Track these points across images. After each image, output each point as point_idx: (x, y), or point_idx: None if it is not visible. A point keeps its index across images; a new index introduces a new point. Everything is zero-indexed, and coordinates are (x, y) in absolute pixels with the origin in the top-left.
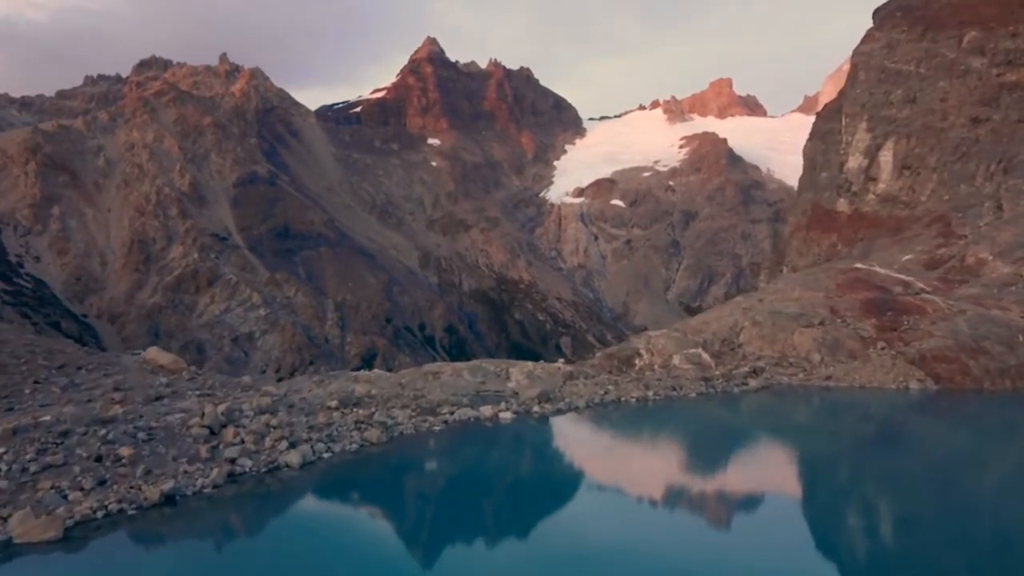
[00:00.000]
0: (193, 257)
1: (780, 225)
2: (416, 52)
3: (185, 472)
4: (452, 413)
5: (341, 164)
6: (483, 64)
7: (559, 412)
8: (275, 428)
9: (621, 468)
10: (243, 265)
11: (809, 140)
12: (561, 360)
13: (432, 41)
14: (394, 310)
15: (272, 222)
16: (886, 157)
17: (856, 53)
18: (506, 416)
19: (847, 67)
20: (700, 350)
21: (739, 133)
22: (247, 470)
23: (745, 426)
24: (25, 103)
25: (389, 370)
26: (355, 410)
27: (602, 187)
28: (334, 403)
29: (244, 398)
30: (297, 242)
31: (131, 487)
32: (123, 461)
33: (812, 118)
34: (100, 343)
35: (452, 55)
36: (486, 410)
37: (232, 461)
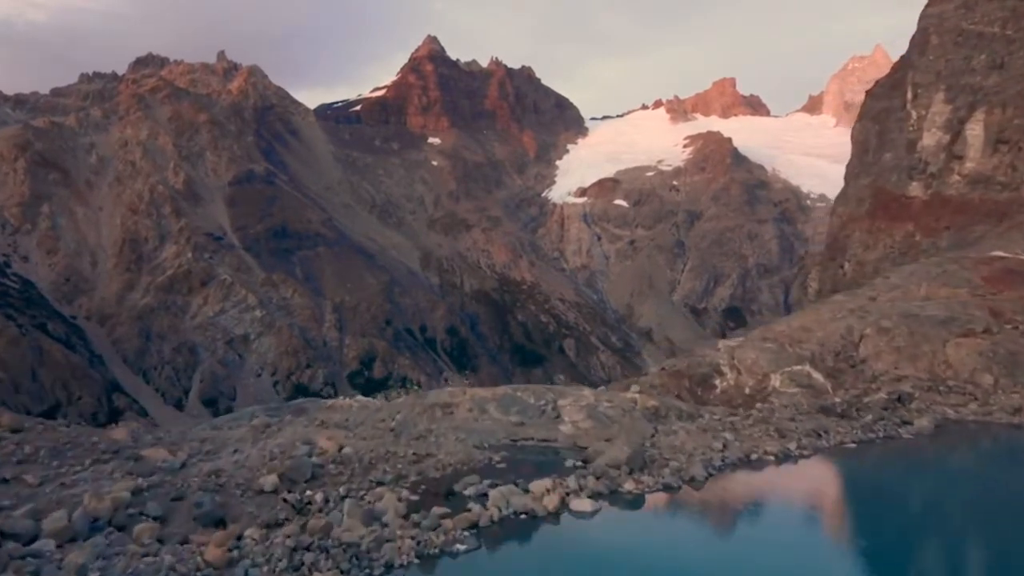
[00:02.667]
0: (187, 257)
1: (786, 225)
2: (417, 50)
3: None
4: (481, 498)
5: (340, 163)
6: (484, 63)
7: (668, 488)
8: None
9: None
10: (238, 265)
11: (859, 122)
12: (635, 388)
13: (433, 40)
14: (394, 312)
15: (269, 221)
16: (974, 131)
17: (925, 16)
18: (582, 506)
19: (851, 66)
20: (808, 367)
21: (743, 133)
22: None
23: None
24: (19, 100)
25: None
26: (307, 492)
27: (605, 187)
28: (270, 480)
29: (78, 485)
30: (294, 242)
31: None
32: None
33: (817, 117)
34: (89, 345)
35: (453, 54)
36: (543, 493)
37: None
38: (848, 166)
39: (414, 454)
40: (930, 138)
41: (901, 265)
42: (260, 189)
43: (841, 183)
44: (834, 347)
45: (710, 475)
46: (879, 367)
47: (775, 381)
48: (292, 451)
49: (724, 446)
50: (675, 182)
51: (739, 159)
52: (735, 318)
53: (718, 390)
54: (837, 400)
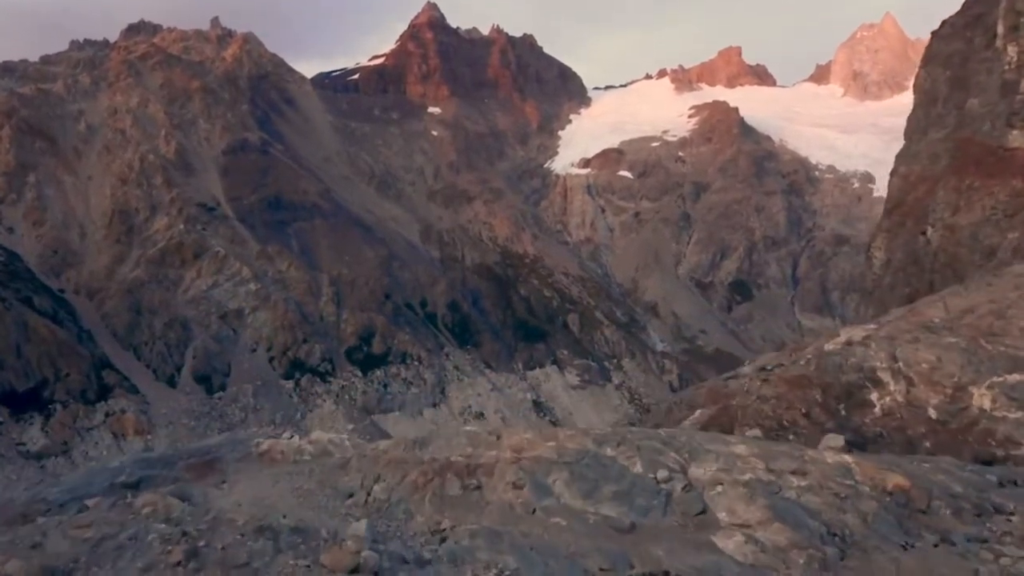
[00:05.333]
0: (179, 229)
1: (794, 197)
2: (416, 18)
3: None
4: None
5: (338, 133)
6: (485, 31)
7: None
8: None
9: None
10: (232, 237)
11: (924, 68)
12: (842, 443)
13: (432, 7)
14: (393, 286)
15: (264, 192)
16: None
17: None
18: None
19: (860, 34)
20: None
21: (749, 103)
22: None
23: None
24: (7, 68)
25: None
26: None
27: (609, 158)
28: None
29: None
30: (290, 213)
31: None
32: None
33: (825, 87)
34: (77, 320)
35: (453, 22)
36: None
37: None
38: (910, 120)
39: None
40: None
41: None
42: (255, 159)
43: (850, 153)
44: None
45: None
46: None
47: (982, 399)
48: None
49: None
50: (681, 153)
51: (746, 130)
52: (742, 292)
53: (876, 410)
54: None
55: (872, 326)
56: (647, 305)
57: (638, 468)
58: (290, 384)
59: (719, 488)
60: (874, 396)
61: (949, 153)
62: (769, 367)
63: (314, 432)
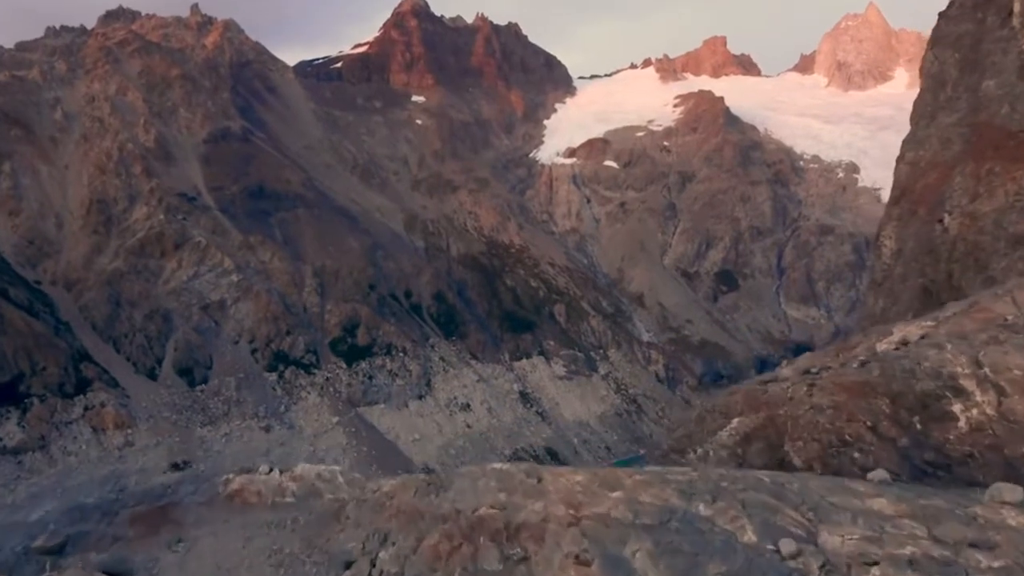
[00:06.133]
0: (158, 219)
1: (779, 187)
2: (400, 5)
3: None
4: None
5: (321, 122)
6: (469, 19)
7: None
8: None
9: None
10: (214, 227)
11: (931, 50)
12: (1021, 496)
13: None
14: (378, 276)
15: (245, 181)
16: None
17: None
18: None
19: (844, 24)
20: None
21: (735, 92)
22: None
23: None
24: None
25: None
26: None
27: (595, 147)
28: None
29: None
30: (273, 203)
31: None
32: None
33: (809, 77)
34: (54, 312)
35: (436, 9)
36: None
37: None
38: (916, 104)
39: None
40: None
41: None
42: (236, 147)
43: (835, 143)
44: None
45: None
46: None
47: None
48: None
49: None
50: (666, 143)
51: (731, 119)
52: (727, 282)
53: (961, 424)
54: None
55: (928, 323)
56: (633, 295)
57: (749, 535)
58: (273, 376)
59: (875, 573)
60: (957, 408)
61: (963, 138)
62: (814, 370)
63: (299, 466)
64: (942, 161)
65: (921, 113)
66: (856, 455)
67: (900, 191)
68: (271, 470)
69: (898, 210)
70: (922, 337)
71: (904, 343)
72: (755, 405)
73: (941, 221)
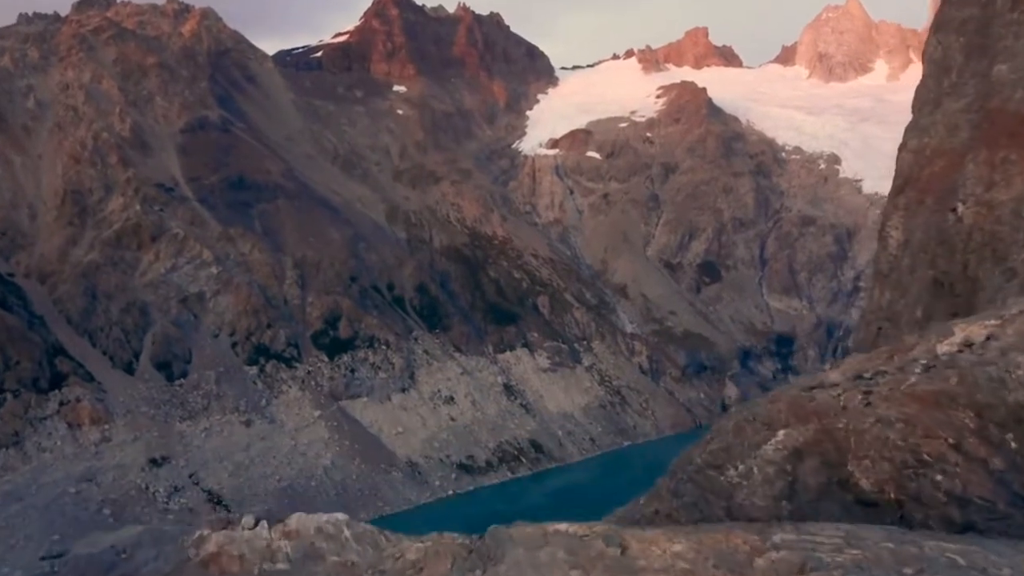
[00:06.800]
0: (135, 210)
1: (762, 179)
2: None
3: None
4: None
5: (301, 112)
6: (451, 9)
7: None
8: None
9: None
10: (192, 219)
11: (934, 35)
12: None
13: None
14: (360, 268)
15: (224, 172)
16: None
17: None
18: None
19: (825, 16)
20: None
21: (717, 84)
22: None
23: None
24: None
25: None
26: None
27: (577, 138)
28: None
29: None
30: (253, 194)
31: None
32: None
33: (790, 68)
34: (28, 305)
35: None
36: None
37: None
38: (919, 91)
39: None
40: None
41: None
42: (215, 137)
43: (817, 135)
44: None
45: None
46: None
47: None
48: None
49: None
50: (649, 134)
51: (714, 110)
52: (710, 273)
53: None
54: None
55: (992, 322)
56: (616, 287)
57: None
58: (254, 370)
59: None
60: None
61: (971, 124)
62: (866, 375)
63: (293, 517)
64: (949, 149)
65: (924, 100)
66: (939, 478)
67: (903, 180)
68: (256, 523)
69: (904, 199)
70: (988, 338)
71: (968, 344)
72: (802, 415)
73: (954, 210)
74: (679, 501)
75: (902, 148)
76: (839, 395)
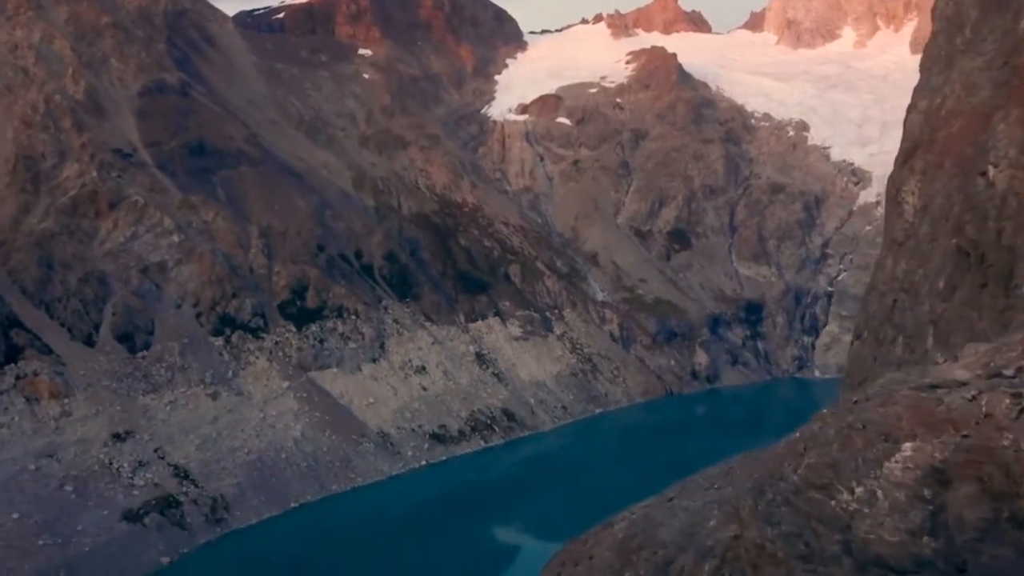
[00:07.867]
0: (91, 176)
1: (732, 146)
2: None
3: None
4: None
5: (264, 76)
6: None
7: None
8: None
9: None
10: (151, 185)
11: None
12: None
13: None
14: (327, 236)
15: (184, 137)
16: None
17: None
18: None
19: None
20: None
21: (686, 50)
22: None
23: None
24: None
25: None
26: None
27: (547, 104)
28: None
29: None
30: (214, 160)
31: None
32: None
33: (759, 35)
34: None
35: None
36: None
37: None
38: (928, 49)
39: None
40: None
41: None
42: (174, 101)
43: (786, 101)
44: None
45: None
46: None
47: None
48: None
49: None
50: (619, 100)
51: (684, 76)
52: (680, 240)
53: None
54: None
55: None
56: (587, 255)
57: None
58: (220, 341)
59: None
60: None
61: (995, 82)
62: (1008, 372)
63: None
64: (967, 109)
65: (934, 59)
66: None
67: (913, 143)
68: None
69: (921, 163)
70: None
71: None
72: (932, 423)
73: (984, 174)
74: (775, 530)
75: (911, 109)
76: (974, 397)
